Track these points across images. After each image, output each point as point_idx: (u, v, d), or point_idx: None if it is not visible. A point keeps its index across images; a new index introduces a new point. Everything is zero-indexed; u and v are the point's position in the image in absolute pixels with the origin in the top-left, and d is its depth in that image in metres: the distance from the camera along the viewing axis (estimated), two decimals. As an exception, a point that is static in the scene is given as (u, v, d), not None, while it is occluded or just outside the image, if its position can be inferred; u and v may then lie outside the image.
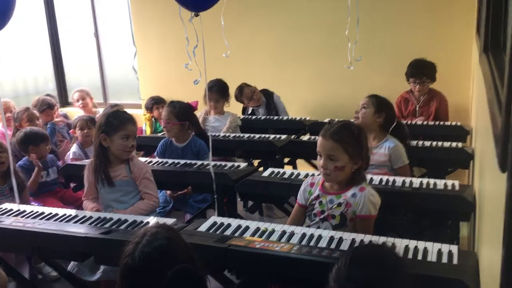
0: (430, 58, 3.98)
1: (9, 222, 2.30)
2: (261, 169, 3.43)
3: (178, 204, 3.39)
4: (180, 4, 2.52)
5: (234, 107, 4.30)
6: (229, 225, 2.10)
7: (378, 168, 2.86)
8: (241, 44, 4.73)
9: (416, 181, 2.53)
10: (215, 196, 2.75)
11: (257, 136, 3.76)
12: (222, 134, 3.92)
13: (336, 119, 3.97)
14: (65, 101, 6.39)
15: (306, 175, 2.60)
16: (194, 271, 1.42)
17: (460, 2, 4.08)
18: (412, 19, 4.29)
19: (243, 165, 3.10)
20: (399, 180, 2.56)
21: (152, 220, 2.27)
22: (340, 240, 1.90)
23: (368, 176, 2.60)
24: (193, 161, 3.18)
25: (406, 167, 2.86)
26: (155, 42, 5.40)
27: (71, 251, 2.15)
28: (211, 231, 2.05)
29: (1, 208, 2.56)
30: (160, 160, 3.34)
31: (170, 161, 3.25)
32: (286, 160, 4.01)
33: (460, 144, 3.20)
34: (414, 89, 4.02)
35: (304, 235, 1.96)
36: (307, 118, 4.18)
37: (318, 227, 2.13)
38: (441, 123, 3.84)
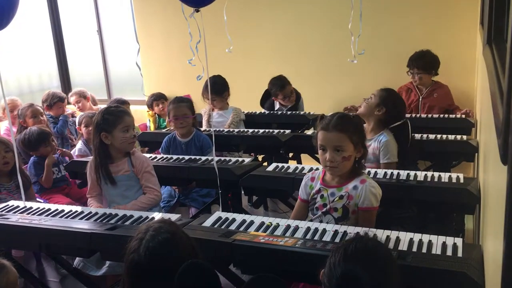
0: (434, 51, 3.96)
1: (16, 219, 2.32)
2: (265, 164, 3.45)
3: (183, 198, 3.40)
4: (181, 0, 2.52)
5: (238, 101, 4.29)
6: (233, 220, 2.10)
7: (370, 162, 2.82)
8: (244, 39, 4.72)
9: (421, 174, 2.52)
10: (220, 192, 2.76)
11: (261, 131, 3.76)
12: (226, 129, 3.93)
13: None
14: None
15: (311, 170, 2.60)
16: (206, 265, 1.43)
17: (464, -6, 4.06)
18: (415, 11, 4.27)
19: (247, 160, 3.10)
20: (403, 173, 2.56)
21: (157, 215, 2.28)
22: (345, 234, 1.90)
23: (366, 170, 2.59)
24: (197, 157, 3.19)
25: (393, 166, 2.77)
26: (158, 39, 5.41)
27: (77, 247, 2.17)
28: (216, 226, 2.06)
29: (8, 205, 2.58)
30: (164, 156, 3.36)
31: (174, 157, 3.26)
32: (290, 154, 4.00)
33: (464, 137, 3.19)
34: (414, 81, 4.02)
35: (308, 229, 1.96)
36: (311, 113, 4.18)
37: (321, 221, 2.14)
38: (446, 116, 3.82)
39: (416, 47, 4.02)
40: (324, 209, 2.16)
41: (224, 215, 2.16)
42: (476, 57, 3.87)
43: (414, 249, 1.73)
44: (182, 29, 2.80)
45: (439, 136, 3.24)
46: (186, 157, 3.21)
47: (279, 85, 4.28)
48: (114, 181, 2.72)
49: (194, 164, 3.03)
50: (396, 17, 4.35)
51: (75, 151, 3.91)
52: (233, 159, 3.11)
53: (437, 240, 1.77)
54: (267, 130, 3.76)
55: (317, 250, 1.73)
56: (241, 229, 2.02)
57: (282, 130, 3.70)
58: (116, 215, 2.32)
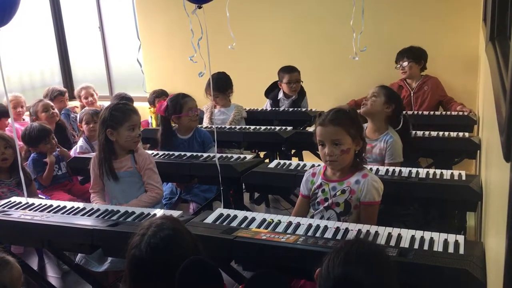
0: (437, 48, 3.96)
1: (18, 215, 2.32)
2: (267, 160, 3.44)
3: (184, 194, 3.40)
4: (183, -4, 2.52)
5: (239, 98, 4.29)
6: (235, 217, 2.11)
7: (376, 162, 2.83)
8: (247, 36, 4.71)
9: (423, 172, 2.52)
10: (221, 188, 2.76)
11: (263, 128, 3.76)
12: (227, 127, 3.93)
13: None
14: (71, 95, 6.42)
15: (312, 166, 2.60)
16: (208, 262, 1.43)
17: (467, -9, 4.05)
18: (417, 8, 4.26)
19: (249, 157, 3.10)
20: (405, 170, 2.55)
21: (159, 212, 2.28)
22: (346, 230, 1.90)
23: (367, 167, 2.59)
24: (199, 154, 3.19)
25: (397, 166, 2.76)
26: (160, 35, 5.40)
27: (79, 244, 2.17)
28: (217, 222, 2.07)
29: (9, 201, 2.59)
30: (166, 152, 3.36)
31: (176, 153, 3.27)
32: (292, 151, 4.00)
33: (467, 134, 3.18)
34: (401, 73, 4.03)
35: (310, 226, 1.96)
36: (313, 109, 4.17)
37: (322, 216, 2.14)
38: (448, 113, 3.82)
39: (418, 44, 4.02)
40: (326, 204, 2.16)
41: (225, 211, 2.16)
42: (479, 54, 3.86)
43: (416, 246, 1.73)
44: (184, 26, 2.80)
45: (441, 133, 3.24)
46: (188, 154, 3.21)
47: (288, 68, 4.29)
48: (117, 177, 2.72)
49: (196, 161, 3.03)
50: (398, 14, 4.34)
51: (76, 148, 3.91)
52: (235, 156, 3.11)
53: (439, 237, 1.77)
54: (268, 127, 3.76)
55: (319, 247, 1.73)
56: (243, 225, 2.02)
57: (283, 127, 3.70)
58: (118, 211, 2.33)
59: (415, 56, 3.97)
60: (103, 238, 2.10)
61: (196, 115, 3.47)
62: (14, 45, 5.78)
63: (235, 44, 2.92)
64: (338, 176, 2.17)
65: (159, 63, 5.48)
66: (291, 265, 1.79)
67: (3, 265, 1.64)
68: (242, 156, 3.12)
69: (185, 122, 3.42)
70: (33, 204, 2.52)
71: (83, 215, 2.32)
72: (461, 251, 1.67)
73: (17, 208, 2.46)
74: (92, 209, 2.39)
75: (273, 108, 4.42)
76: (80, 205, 2.47)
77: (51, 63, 6.36)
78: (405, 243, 1.76)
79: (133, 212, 2.30)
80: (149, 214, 2.27)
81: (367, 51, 3.35)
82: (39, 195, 3.37)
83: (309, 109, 4.25)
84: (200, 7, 2.53)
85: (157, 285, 1.44)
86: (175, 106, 3.41)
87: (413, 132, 3.15)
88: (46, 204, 2.50)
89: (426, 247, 1.72)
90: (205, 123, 4.11)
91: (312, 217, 2.19)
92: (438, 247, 1.71)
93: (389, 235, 1.83)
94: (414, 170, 2.55)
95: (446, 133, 3.22)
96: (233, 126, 3.94)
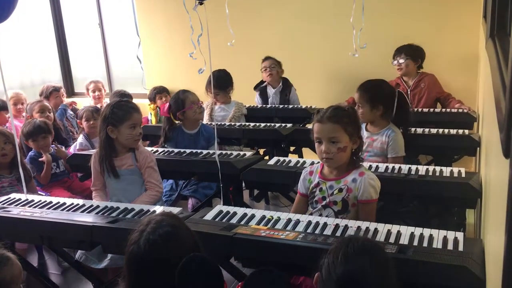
0: (437, 45, 3.96)
1: (17, 211, 2.32)
2: (266, 157, 3.44)
3: (184, 191, 3.40)
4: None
5: (238, 95, 4.29)
6: (235, 214, 2.11)
7: (377, 156, 2.85)
8: (246, 33, 4.71)
9: (422, 169, 2.52)
10: (221, 185, 2.76)
11: (263, 124, 3.76)
12: (227, 123, 3.93)
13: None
14: (71, 91, 6.42)
15: (312, 163, 2.60)
16: (208, 259, 1.43)
17: (466, -12, 4.04)
18: (418, 5, 4.25)
19: (248, 154, 3.10)
20: (405, 167, 2.55)
21: (159, 209, 2.28)
22: (346, 227, 1.90)
23: (366, 164, 2.60)
24: (199, 150, 3.19)
25: (400, 160, 2.80)
26: (159, 32, 5.39)
27: (79, 240, 2.17)
28: (217, 219, 2.07)
29: (9, 198, 2.59)
30: (166, 149, 3.36)
31: (176, 150, 3.27)
32: (291, 148, 4.00)
33: (466, 131, 3.18)
34: (397, 70, 4.02)
35: (309, 223, 1.96)
36: (313, 107, 4.17)
37: (320, 214, 2.15)
38: (447, 110, 3.81)
39: (418, 41, 4.01)
40: (324, 202, 2.17)
41: (225, 208, 2.16)
42: (479, 51, 3.85)
43: (415, 243, 1.73)
44: (183, 23, 2.80)
45: (441, 130, 3.23)
46: (188, 151, 3.21)
47: (264, 58, 4.45)
48: (118, 175, 2.72)
49: (196, 158, 3.03)
50: (398, 11, 4.33)
51: (76, 145, 3.91)
52: (234, 153, 3.11)
53: (438, 234, 1.77)
54: (268, 124, 3.76)
55: (318, 244, 1.73)
56: (242, 222, 2.02)
57: (283, 124, 3.70)
58: (118, 208, 2.33)
59: (412, 53, 3.96)
60: (103, 235, 2.10)
61: (200, 107, 3.48)
62: (14, 42, 5.77)
63: (234, 41, 2.92)
64: (335, 175, 2.17)
65: (159, 60, 5.48)
66: (290, 262, 1.79)
67: (4, 261, 1.64)
68: (241, 153, 3.12)
69: (190, 116, 3.44)
70: (32, 200, 2.52)
71: (82, 211, 2.32)
72: (461, 248, 1.67)
73: (16, 205, 2.46)
74: (92, 205, 2.39)
75: (262, 100, 4.50)
76: (80, 201, 2.47)
77: (51, 60, 6.35)
78: (404, 240, 1.76)
79: (133, 209, 2.30)
80: (148, 211, 2.27)
81: (367, 48, 3.34)
82: (40, 193, 3.37)
83: (308, 105, 4.25)
84: (201, 3, 2.52)
85: (156, 281, 1.44)
86: (177, 102, 3.44)
87: (412, 129, 3.16)
88: (45, 201, 2.50)
89: (425, 244, 1.72)
90: (205, 119, 4.11)
91: (310, 215, 2.19)
92: (438, 244, 1.71)
93: (389, 232, 1.83)
94: (413, 167, 2.55)
95: (446, 130, 3.22)
96: (232, 123, 3.94)
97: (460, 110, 3.72)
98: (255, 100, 4.62)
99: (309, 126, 3.78)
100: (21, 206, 2.44)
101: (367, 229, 1.88)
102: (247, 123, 3.92)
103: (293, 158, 2.87)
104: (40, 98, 4.67)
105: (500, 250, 1.07)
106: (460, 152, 3.23)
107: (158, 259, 1.43)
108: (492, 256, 1.40)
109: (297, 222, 1.98)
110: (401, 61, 3.98)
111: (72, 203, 2.44)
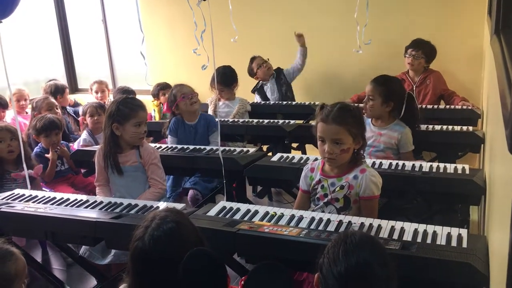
0: (441, 41, 3.94)
1: (21, 207, 2.33)
2: (270, 154, 3.44)
3: (188, 184, 3.41)
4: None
5: (242, 91, 4.29)
6: (238, 210, 2.11)
7: (383, 151, 2.85)
8: (249, 29, 4.70)
9: (426, 165, 2.51)
10: (224, 181, 2.76)
11: (266, 121, 3.76)
12: (231, 120, 3.93)
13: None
14: (74, 88, 6.42)
15: (316, 160, 2.60)
16: (212, 254, 1.43)
17: (471, -17, 4.02)
18: (422, 1, 4.23)
19: (252, 150, 3.10)
20: (408, 164, 2.55)
21: (162, 205, 2.29)
22: (349, 224, 1.90)
23: (371, 161, 2.60)
24: (202, 146, 3.20)
25: (411, 154, 2.86)
26: (163, 28, 5.39)
27: (83, 236, 2.18)
28: (220, 215, 2.07)
29: (13, 193, 2.59)
30: (170, 145, 3.36)
31: (179, 146, 3.27)
32: (295, 145, 4.00)
33: (471, 128, 3.17)
34: (407, 62, 3.98)
35: (313, 219, 1.96)
36: (316, 103, 4.16)
37: (323, 211, 2.15)
38: (452, 106, 3.80)
39: (423, 37, 3.99)
40: (326, 200, 2.17)
41: (228, 204, 2.16)
42: (484, 47, 3.84)
43: (419, 239, 1.73)
44: (187, 18, 2.79)
45: (445, 127, 3.23)
46: (191, 147, 3.21)
47: (251, 59, 4.52)
48: (121, 172, 2.72)
49: (199, 154, 3.03)
50: (402, 7, 4.31)
51: (79, 141, 3.92)
52: (238, 149, 3.11)
53: (442, 231, 1.77)
54: (271, 120, 3.75)
55: (322, 240, 1.73)
56: (246, 218, 2.02)
57: (287, 120, 3.70)
58: (121, 204, 2.33)
59: (429, 54, 3.94)
60: (106, 230, 2.10)
61: (191, 99, 3.47)
62: (17, 38, 5.77)
63: (237, 37, 2.91)
64: (336, 172, 2.17)
65: (162, 55, 5.47)
66: (294, 258, 1.79)
67: (8, 256, 1.65)
68: (245, 149, 3.12)
69: (183, 108, 3.47)
70: (36, 196, 2.52)
71: (86, 207, 2.33)
72: (464, 244, 1.67)
73: (20, 200, 2.47)
74: (95, 201, 2.40)
75: (262, 99, 4.52)
76: (84, 197, 2.48)
77: (54, 56, 6.35)
78: (408, 237, 1.76)
79: (136, 205, 2.30)
80: (152, 206, 2.27)
81: (371, 44, 3.33)
82: (44, 189, 3.38)
83: (311, 102, 4.24)
84: (204, -1, 2.52)
85: (160, 277, 1.45)
86: (170, 97, 3.54)
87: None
88: (49, 196, 2.50)
89: (429, 240, 1.72)
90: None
91: (313, 212, 2.19)
92: (441, 240, 1.71)
93: (392, 229, 1.82)
94: (417, 164, 2.54)
95: (450, 127, 3.21)
96: (236, 119, 3.94)
97: (464, 107, 3.71)
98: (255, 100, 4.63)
99: (313, 122, 3.77)
100: (25, 201, 2.45)
101: (371, 225, 1.88)
102: (250, 119, 3.92)
103: (296, 155, 2.87)
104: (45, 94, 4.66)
105: (505, 246, 1.07)
106: (464, 148, 3.22)
107: (162, 255, 1.44)
108: (496, 253, 1.39)
109: (301, 218, 1.98)
110: (417, 57, 3.94)
111: (76, 199, 2.44)
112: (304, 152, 4.11)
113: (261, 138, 3.98)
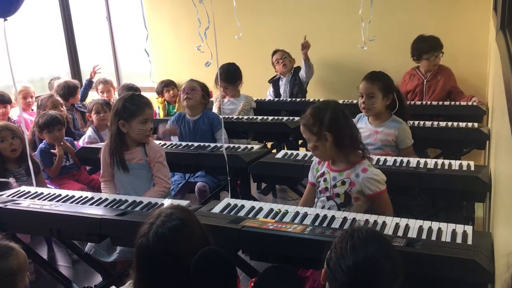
0: (446, 37, 3.91)
1: (27, 204, 2.34)
2: (274, 151, 3.44)
3: (192, 178, 3.41)
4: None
5: (246, 88, 4.28)
6: (242, 207, 2.11)
7: (381, 149, 2.84)
8: (254, 26, 4.69)
9: (431, 162, 2.50)
10: (229, 178, 2.76)
11: (270, 118, 3.75)
12: (235, 117, 3.93)
13: (350, 100, 3.97)
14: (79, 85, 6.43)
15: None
16: (223, 253, 1.42)
17: (477, -21, 3.99)
18: (427, -3, 4.21)
19: (256, 147, 3.10)
20: (413, 161, 2.54)
21: (167, 202, 2.29)
22: (354, 221, 1.90)
23: (375, 157, 2.59)
24: (207, 143, 3.20)
25: (411, 148, 2.85)
26: (167, 25, 5.39)
27: (88, 233, 2.19)
28: (224, 212, 2.07)
29: (19, 190, 2.61)
30: (174, 142, 3.36)
31: (183, 143, 3.27)
32: (299, 142, 4.00)
33: (476, 124, 3.16)
34: (427, 65, 3.93)
35: (317, 216, 1.96)
36: (321, 99, 4.15)
37: (323, 206, 2.16)
38: (457, 103, 3.78)
39: (427, 33, 3.97)
40: (327, 193, 2.18)
41: (233, 201, 2.16)
42: (489, 43, 3.81)
43: (424, 236, 1.72)
44: (191, 15, 2.79)
45: (450, 123, 3.21)
46: (195, 144, 3.21)
47: (273, 52, 4.54)
48: (127, 169, 2.72)
49: (203, 151, 3.04)
50: (407, 3, 4.29)
51: (84, 138, 3.93)
52: (242, 146, 3.11)
53: (447, 228, 1.77)
54: (276, 117, 3.75)
55: (326, 237, 1.73)
56: (250, 215, 2.02)
57: (291, 117, 3.69)
58: (126, 201, 2.34)
59: (440, 49, 3.92)
60: (111, 227, 2.11)
61: (186, 94, 3.49)
62: (22, 36, 5.78)
63: (241, 34, 2.91)
64: (339, 167, 2.18)
65: (166, 53, 5.47)
66: (298, 254, 1.79)
67: (9, 251, 1.67)
68: (249, 146, 3.12)
69: (181, 101, 3.56)
70: (42, 193, 2.54)
71: (91, 204, 2.33)
72: (469, 241, 1.66)
73: (26, 197, 2.48)
74: (101, 198, 2.41)
75: (274, 92, 4.53)
76: (89, 194, 2.49)
77: (59, 53, 6.37)
78: (413, 233, 1.75)
79: (141, 202, 2.31)
80: (156, 203, 2.28)
81: (376, 41, 3.32)
82: (49, 185, 3.40)
83: (315, 99, 4.23)
84: (208, -4, 2.51)
85: (165, 274, 1.45)
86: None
87: (421, 122, 3.13)
88: (55, 194, 2.51)
89: (434, 237, 1.71)
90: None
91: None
92: (446, 237, 1.71)
93: (397, 225, 1.82)
94: (422, 160, 2.54)
95: (455, 124, 3.19)
96: (240, 116, 3.94)
97: (470, 103, 3.69)
98: (267, 93, 4.62)
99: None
100: (31, 198, 2.46)
101: (375, 222, 1.87)
102: (255, 116, 3.92)
103: (300, 152, 2.87)
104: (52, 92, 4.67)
105: (510, 243, 1.07)
106: (469, 145, 3.21)
107: (167, 252, 1.44)
108: (502, 250, 1.39)
109: (305, 215, 1.98)
110: (440, 56, 3.91)
111: (81, 196, 2.45)
112: (308, 149, 4.10)
113: (266, 135, 3.98)
